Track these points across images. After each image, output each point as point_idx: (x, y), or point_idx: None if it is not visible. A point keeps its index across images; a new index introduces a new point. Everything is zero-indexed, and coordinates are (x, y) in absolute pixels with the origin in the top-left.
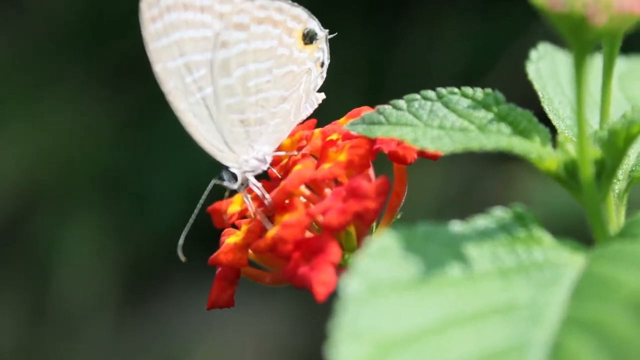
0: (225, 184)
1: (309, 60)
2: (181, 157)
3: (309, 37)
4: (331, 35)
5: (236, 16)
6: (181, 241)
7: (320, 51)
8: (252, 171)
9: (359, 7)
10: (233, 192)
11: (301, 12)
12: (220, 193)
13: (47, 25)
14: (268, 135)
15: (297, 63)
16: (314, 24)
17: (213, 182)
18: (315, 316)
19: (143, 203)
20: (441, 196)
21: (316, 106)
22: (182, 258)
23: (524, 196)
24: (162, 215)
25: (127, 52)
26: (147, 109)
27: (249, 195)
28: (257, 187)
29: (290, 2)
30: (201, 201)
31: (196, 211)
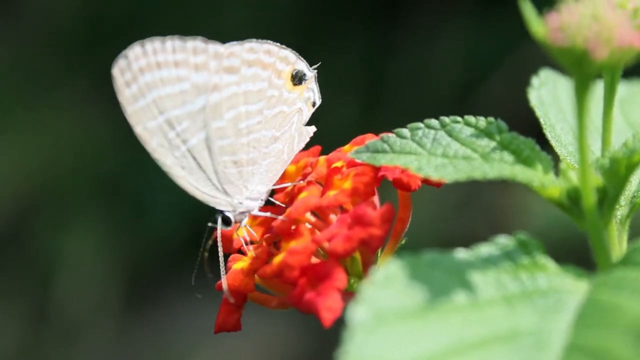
0: (220, 227)
1: (299, 101)
2: None
3: (297, 78)
4: (315, 66)
5: (226, 60)
6: (193, 278)
7: (310, 91)
8: (247, 211)
9: (357, 16)
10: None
11: (289, 54)
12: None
13: (46, 31)
14: (261, 175)
15: (287, 104)
16: (302, 65)
17: (209, 226)
18: (315, 322)
19: (144, 208)
20: (441, 204)
21: (307, 140)
22: (199, 295)
23: (522, 205)
24: (162, 220)
25: None
26: None
27: (245, 233)
28: (262, 216)
29: (278, 44)
30: (204, 245)
31: (202, 249)
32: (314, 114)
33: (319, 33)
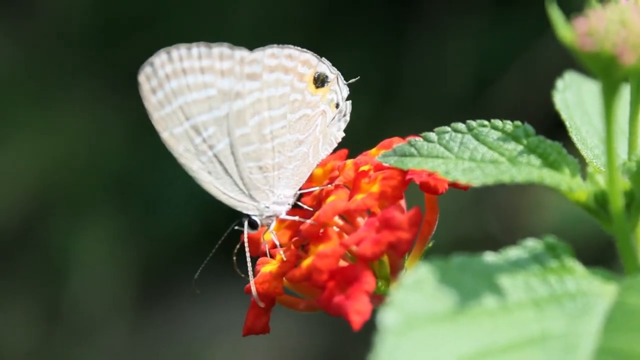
0: (246, 230)
1: (322, 103)
2: None
3: (320, 81)
4: (351, 80)
5: (248, 67)
6: (196, 276)
7: (333, 93)
8: (274, 215)
9: (370, 14)
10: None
11: (310, 57)
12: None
13: (59, 31)
14: (287, 179)
15: (310, 106)
16: (324, 67)
17: (232, 227)
18: (329, 320)
19: (156, 207)
20: (456, 202)
21: (335, 145)
22: (197, 291)
23: (535, 204)
24: (174, 218)
25: (139, 56)
26: None
27: (273, 236)
28: (290, 219)
29: (299, 48)
30: (219, 241)
31: (214, 250)
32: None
33: (331, 31)
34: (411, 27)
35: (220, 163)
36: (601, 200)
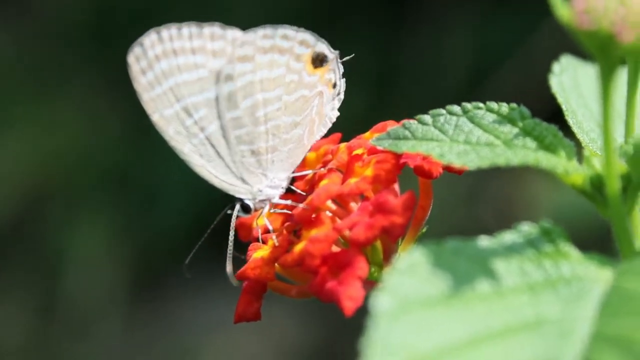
0: (239, 214)
1: (319, 84)
2: None
3: (318, 60)
4: (346, 58)
5: (239, 49)
6: (187, 261)
7: (332, 72)
8: (267, 199)
9: (367, 6)
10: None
11: (308, 36)
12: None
13: (55, 26)
14: (281, 162)
15: (308, 87)
16: (323, 47)
17: (225, 211)
18: (323, 314)
19: (151, 201)
20: (448, 196)
21: (330, 126)
22: (188, 275)
23: (530, 194)
24: (170, 213)
25: None
26: None
27: (265, 221)
28: (282, 204)
29: (295, 28)
30: (230, 238)
31: (205, 235)
32: None
33: (329, 24)
34: (407, 20)
35: (212, 146)
36: (597, 184)
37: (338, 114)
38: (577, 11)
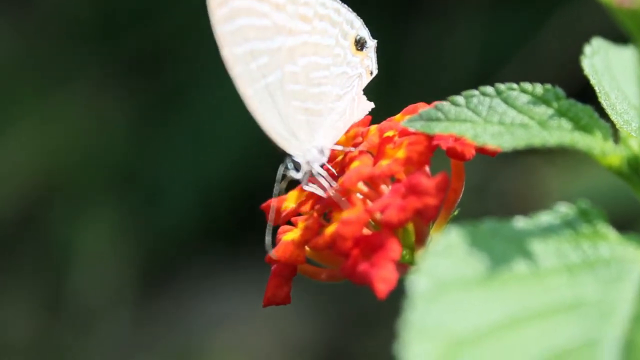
0: (290, 172)
1: (359, 66)
2: (194, 153)
3: (360, 44)
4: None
5: (302, 7)
6: (268, 240)
7: (369, 60)
8: (314, 161)
9: (373, 1)
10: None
11: (354, 18)
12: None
13: (59, 22)
14: (325, 129)
15: (350, 66)
16: (365, 33)
17: (281, 169)
18: (331, 309)
19: (157, 198)
20: (479, 177)
21: (366, 113)
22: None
23: (541, 188)
24: (175, 210)
25: (140, 48)
26: (160, 105)
27: (312, 185)
28: (322, 175)
29: (346, 6)
30: (275, 191)
31: (273, 209)
32: None
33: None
34: (413, 15)
35: (270, 95)
36: (635, 165)
37: (373, 105)
38: None
